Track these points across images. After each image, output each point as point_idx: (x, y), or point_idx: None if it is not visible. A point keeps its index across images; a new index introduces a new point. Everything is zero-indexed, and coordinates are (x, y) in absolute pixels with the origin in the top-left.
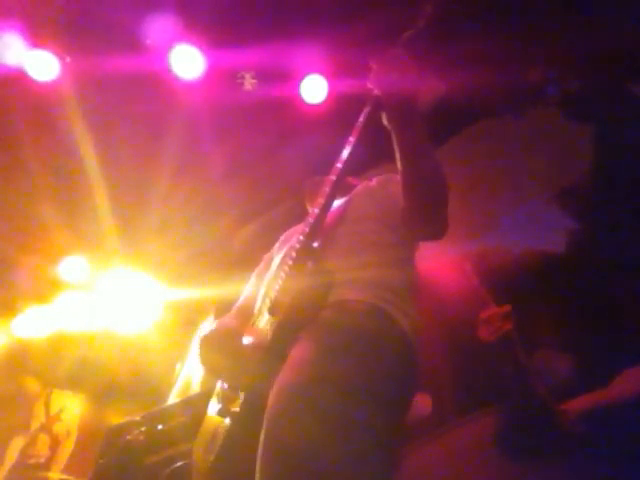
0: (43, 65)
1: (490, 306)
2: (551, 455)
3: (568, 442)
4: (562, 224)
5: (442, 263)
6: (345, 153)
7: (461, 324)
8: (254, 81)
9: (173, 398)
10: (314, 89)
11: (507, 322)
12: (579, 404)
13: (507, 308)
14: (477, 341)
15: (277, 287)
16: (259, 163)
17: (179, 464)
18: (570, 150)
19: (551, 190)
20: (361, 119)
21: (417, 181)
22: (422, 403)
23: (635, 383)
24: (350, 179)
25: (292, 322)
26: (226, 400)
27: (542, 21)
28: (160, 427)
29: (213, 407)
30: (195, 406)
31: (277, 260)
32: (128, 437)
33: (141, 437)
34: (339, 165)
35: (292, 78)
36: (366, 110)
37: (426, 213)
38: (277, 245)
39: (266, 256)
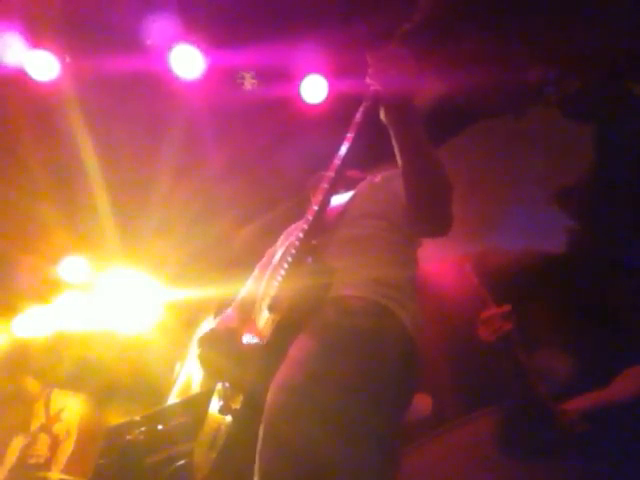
0: (43, 65)
1: (490, 306)
2: (551, 455)
3: (568, 442)
4: (562, 224)
5: (442, 263)
6: (343, 149)
7: (461, 324)
8: (254, 81)
9: (173, 398)
10: (314, 89)
11: (507, 322)
12: (579, 404)
13: (507, 308)
14: (477, 341)
15: (276, 284)
16: (259, 163)
17: (181, 463)
18: (570, 150)
19: (551, 190)
20: (359, 114)
21: (417, 179)
22: (422, 403)
23: (635, 383)
24: (353, 172)
25: (292, 320)
26: (227, 398)
27: (542, 21)
28: (160, 427)
29: (214, 405)
30: (195, 406)
31: (277, 256)
32: (128, 437)
33: (141, 437)
34: (337, 161)
35: (292, 78)
36: (364, 105)
37: (428, 211)
38: (280, 240)
39: (269, 251)
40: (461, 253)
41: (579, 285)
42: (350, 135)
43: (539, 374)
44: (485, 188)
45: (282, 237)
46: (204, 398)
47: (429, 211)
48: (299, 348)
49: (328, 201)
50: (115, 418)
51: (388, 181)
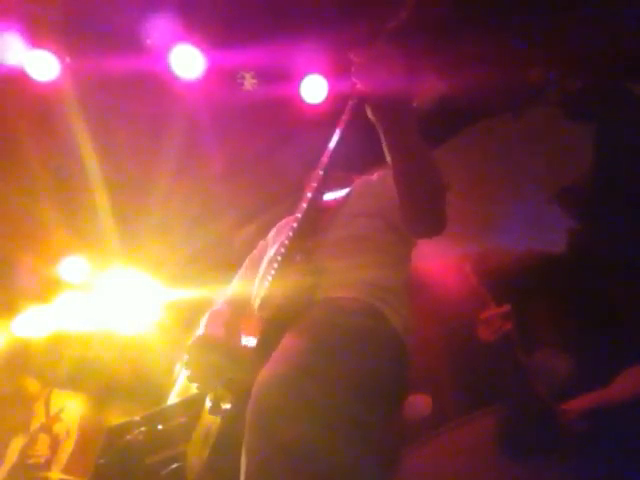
0: (43, 65)
1: (490, 306)
2: (551, 455)
3: (568, 442)
4: (562, 224)
5: (442, 263)
6: (331, 146)
7: (461, 324)
8: (254, 81)
9: (173, 398)
10: (314, 89)
11: (507, 322)
12: (579, 404)
13: (507, 308)
14: (477, 341)
15: (266, 284)
16: (259, 163)
17: (175, 466)
18: (570, 150)
19: (551, 190)
20: (346, 112)
21: (407, 180)
22: (422, 403)
23: (635, 383)
24: (343, 174)
25: (281, 319)
26: (217, 398)
27: (542, 21)
28: (160, 427)
29: (207, 405)
30: (195, 406)
31: (270, 254)
32: (128, 437)
33: (141, 437)
34: (325, 158)
35: (292, 78)
36: (351, 102)
37: (422, 214)
38: (272, 234)
39: (261, 243)
40: (461, 253)
41: (579, 285)
42: (338, 132)
43: (539, 374)
44: (485, 188)
45: (274, 231)
46: (203, 398)
47: (422, 214)
48: (288, 343)
49: (317, 199)
50: (115, 418)
51: (384, 179)
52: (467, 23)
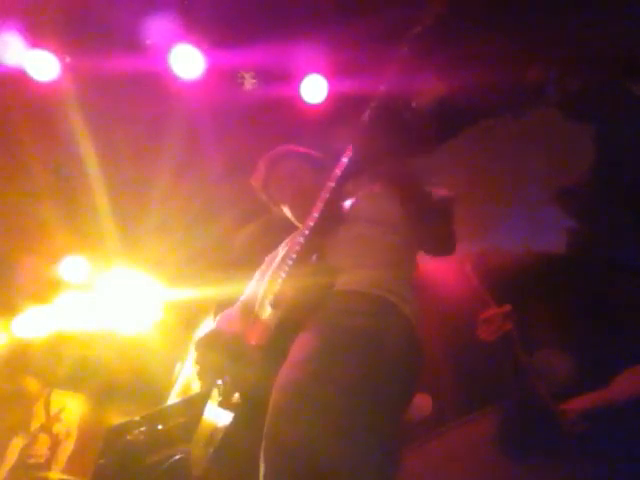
0: (43, 65)
1: (490, 306)
2: (551, 455)
3: (568, 442)
4: (562, 224)
5: (442, 263)
6: (345, 160)
7: (461, 324)
8: (254, 81)
9: (173, 398)
10: (314, 89)
11: (507, 322)
12: (579, 404)
13: (507, 308)
14: (477, 341)
15: (280, 281)
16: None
17: (177, 457)
18: (570, 150)
19: (551, 190)
20: (367, 114)
21: (426, 229)
22: (422, 403)
23: (635, 383)
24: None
25: (294, 318)
26: (226, 394)
27: (542, 21)
28: (160, 427)
29: (212, 402)
30: (195, 406)
31: (279, 258)
32: (128, 437)
33: (141, 437)
34: (338, 171)
35: (292, 78)
36: (372, 105)
37: (436, 243)
38: (281, 247)
39: (268, 257)
40: (461, 253)
41: (579, 285)
42: (350, 151)
43: (539, 374)
44: (485, 188)
45: (282, 245)
46: (203, 398)
47: (437, 243)
48: (300, 347)
49: (329, 208)
50: (115, 418)
51: (387, 192)
52: (467, 23)
